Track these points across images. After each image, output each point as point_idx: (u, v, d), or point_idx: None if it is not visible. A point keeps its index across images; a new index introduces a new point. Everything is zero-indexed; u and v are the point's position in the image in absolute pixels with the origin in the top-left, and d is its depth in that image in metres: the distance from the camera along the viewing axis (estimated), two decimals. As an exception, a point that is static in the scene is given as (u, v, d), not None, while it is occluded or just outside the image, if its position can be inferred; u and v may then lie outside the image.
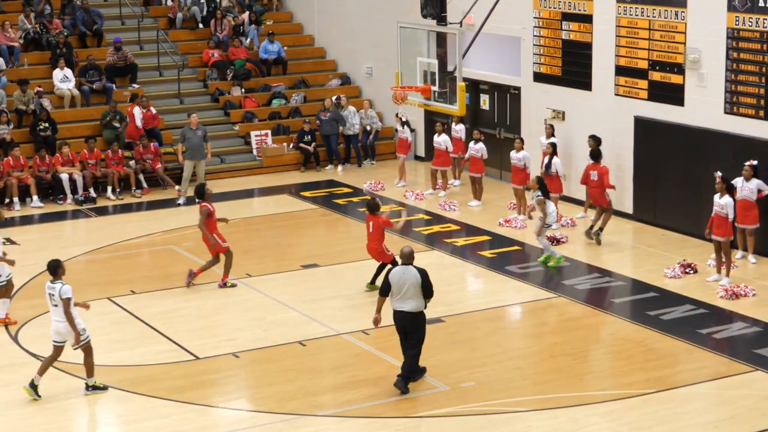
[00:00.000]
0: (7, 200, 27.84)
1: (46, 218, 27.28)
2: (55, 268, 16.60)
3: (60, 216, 27.42)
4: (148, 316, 19.76)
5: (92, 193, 28.52)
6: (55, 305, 16.40)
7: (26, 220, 26.94)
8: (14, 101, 30.31)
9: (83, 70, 31.86)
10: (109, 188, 28.72)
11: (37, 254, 23.39)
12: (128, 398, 16.40)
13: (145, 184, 29.32)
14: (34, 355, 18.05)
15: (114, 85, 32.00)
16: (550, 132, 26.16)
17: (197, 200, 21.76)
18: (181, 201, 28.01)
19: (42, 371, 16.55)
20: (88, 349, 16.54)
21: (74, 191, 28.42)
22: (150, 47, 33.99)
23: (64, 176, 28.36)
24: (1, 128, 29.24)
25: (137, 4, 35.59)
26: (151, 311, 20.04)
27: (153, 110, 30.62)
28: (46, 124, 29.61)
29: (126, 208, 27.90)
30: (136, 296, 20.73)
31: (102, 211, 27.68)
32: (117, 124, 30.31)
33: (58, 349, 16.65)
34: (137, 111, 29.81)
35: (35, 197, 28.08)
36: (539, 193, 22.28)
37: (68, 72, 31.50)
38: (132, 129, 29.82)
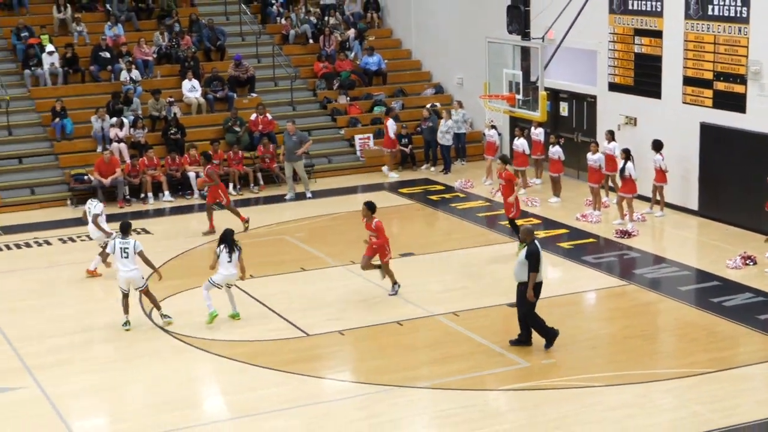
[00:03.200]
0: (142, 195, 28.37)
1: (175, 211, 27.71)
2: (127, 228, 18.42)
3: (188, 209, 27.85)
4: (264, 297, 19.99)
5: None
6: (126, 257, 18.15)
7: (158, 213, 27.39)
8: (149, 108, 30.82)
9: (208, 80, 32.27)
10: (231, 185, 29.06)
11: (168, 242, 23.87)
12: (247, 369, 16.62)
13: (261, 181, 29.66)
14: (166, 330, 18.39)
15: (235, 94, 32.36)
16: (610, 137, 25.94)
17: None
18: (288, 197, 28.29)
19: (126, 310, 18.47)
20: (147, 292, 18.57)
21: (200, 188, 28.84)
22: (266, 60, 34.30)
23: (192, 174, 28.77)
24: (138, 132, 29.77)
25: (255, 23, 35.94)
26: (266, 292, 20.27)
27: (269, 116, 30.94)
28: (176, 129, 30.08)
29: (245, 202, 28.19)
30: (254, 280, 20.96)
31: (224, 205, 28.01)
32: (237, 129, 30.66)
33: (126, 295, 18.40)
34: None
35: (167, 192, 28.55)
36: None
37: (195, 83, 31.95)
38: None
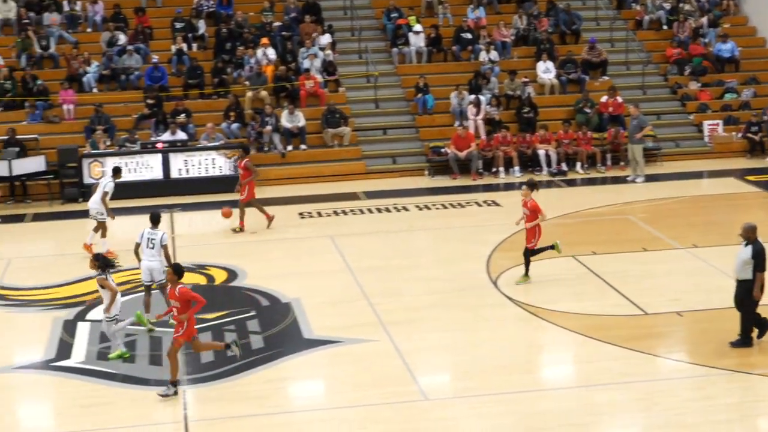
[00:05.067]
0: (494, 169, 28.77)
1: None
2: (157, 219, 17.78)
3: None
4: (605, 274, 19.80)
5: (564, 167, 28.90)
6: (152, 247, 17.39)
7: (508, 187, 27.66)
8: (504, 88, 31.16)
9: (562, 63, 32.21)
10: (578, 164, 28.95)
11: (515, 215, 24.01)
12: (585, 342, 16.53)
13: (609, 162, 29.35)
14: (510, 298, 18.57)
15: (587, 77, 32.14)
16: None
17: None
18: (635, 179, 27.80)
19: (147, 308, 17.47)
20: (164, 288, 16.88)
21: (548, 164, 28.91)
22: (619, 45, 33.82)
23: (541, 152, 28.90)
24: (493, 109, 30.19)
25: (611, 8, 35.49)
26: (607, 269, 20.04)
27: (619, 99, 30.54)
28: (529, 108, 30.25)
29: (591, 182, 28.02)
30: (596, 256, 20.81)
31: (571, 183, 28.00)
32: (588, 110, 30.45)
33: (148, 287, 17.57)
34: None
35: (516, 168, 28.81)
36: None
37: (549, 64, 31.97)
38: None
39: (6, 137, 28.19)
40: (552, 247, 19.32)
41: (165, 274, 16.75)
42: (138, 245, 17.71)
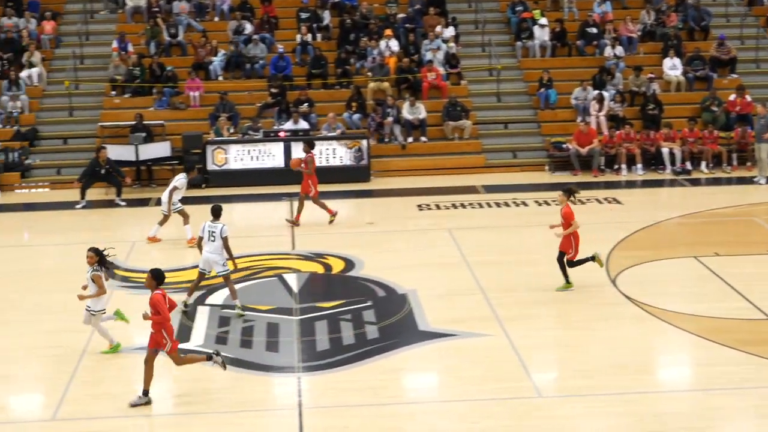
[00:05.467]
0: (616, 166, 28.40)
1: (646, 184, 27.52)
2: (218, 212, 17.79)
3: (658, 183, 27.58)
4: (727, 276, 19.35)
5: (688, 165, 28.39)
6: (212, 240, 17.49)
7: (630, 184, 27.32)
8: (629, 84, 30.75)
9: (690, 59, 31.63)
10: (703, 163, 28.41)
11: (638, 213, 23.74)
12: (703, 344, 16.21)
13: (735, 161, 28.72)
14: (628, 297, 18.29)
15: (715, 74, 31.50)
16: None
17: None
18: (761, 180, 27.14)
19: (191, 293, 17.89)
20: (228, 279, 17.68)
21: (672, 163, 28.43)
22: (750, 43, 33.08)
23: (665, 150, 28.43)
24: (616, 106, 29.81)
25: (741, 4, 34.73)
26: (730, 271, 19.55)
27: (748, 98, 29.86)
28: (654, 105, 29.78)
29: (716, 181, 27.48)
30: (719, 258, 20.38)
31: (695, 182, 27.50)
32: (715, 108, 29.84)
33: (201, 276, 17.84)
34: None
35: (639, 165, 28.41)
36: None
37: (676, 61, 31.41)
38: None
39: (134, 123, 28.89)
40: (592, 259, 18.78)
41: (225, 266, 17.55)
42: (201, 239, 17.87)
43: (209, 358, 14.64)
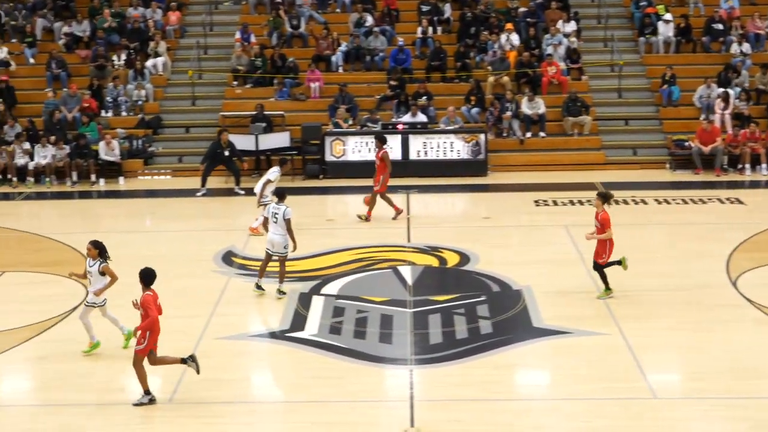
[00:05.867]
0: (739, 166, 27.83)
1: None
2: (283, 194, 18.33)
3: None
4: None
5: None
6: (276, 222, 18.01)
7: (754, 185, 26.72)
8: (755, 82, 30.05)
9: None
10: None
11: (761, 214, 23.22)
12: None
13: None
14: (749, 300, 17.85)
15: None
16: None
17: None
18: None
19: (261, 274, 18.26)
20: (284, 261, 18.11)
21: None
22: None
23: (792, 150, 27.76)
24: (742, 104, 29.16)
25: None
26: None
27: None
28: (782, 103, 29.10)
29: None
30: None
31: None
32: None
33: (268, 256, 18.20)
34: None
35: (764, 165, 27.78)
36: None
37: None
38: None
39: (254, 113, 29.28)
40: (619, 263, 18.24)
41: (286, 248, 18.10)
42: (266, 219, 18.68)
43: (183, 361, 14.27)
